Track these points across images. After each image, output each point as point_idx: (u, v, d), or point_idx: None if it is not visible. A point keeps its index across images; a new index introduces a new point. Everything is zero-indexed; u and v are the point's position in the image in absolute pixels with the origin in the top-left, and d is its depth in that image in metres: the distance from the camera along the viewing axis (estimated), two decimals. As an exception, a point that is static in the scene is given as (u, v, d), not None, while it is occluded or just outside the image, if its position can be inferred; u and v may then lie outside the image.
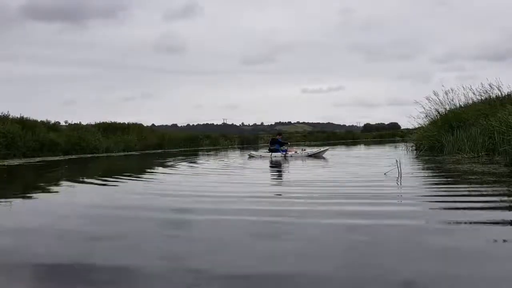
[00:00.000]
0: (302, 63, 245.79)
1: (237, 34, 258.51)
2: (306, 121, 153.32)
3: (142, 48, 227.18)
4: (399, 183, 7.48)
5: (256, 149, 28.29)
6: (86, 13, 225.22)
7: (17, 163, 17.65)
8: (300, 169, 12.50)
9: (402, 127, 64.63)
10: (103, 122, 34.53)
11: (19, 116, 25.10)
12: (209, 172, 11.41)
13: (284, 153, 18.88)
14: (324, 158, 17.72)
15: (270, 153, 18.86)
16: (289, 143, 21.17)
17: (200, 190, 7.18)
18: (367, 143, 48.36)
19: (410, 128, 22.45)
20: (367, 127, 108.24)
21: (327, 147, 21.46)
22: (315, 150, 19.84)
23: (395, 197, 5.97)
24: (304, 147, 22.23)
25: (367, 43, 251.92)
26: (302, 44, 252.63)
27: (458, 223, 4.02)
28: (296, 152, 19.36)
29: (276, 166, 13.74)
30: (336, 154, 21.07)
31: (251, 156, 19.35)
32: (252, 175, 10.66)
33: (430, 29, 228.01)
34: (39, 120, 27.24)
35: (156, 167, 13.95)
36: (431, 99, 19.04)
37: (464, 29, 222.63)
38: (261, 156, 19.02)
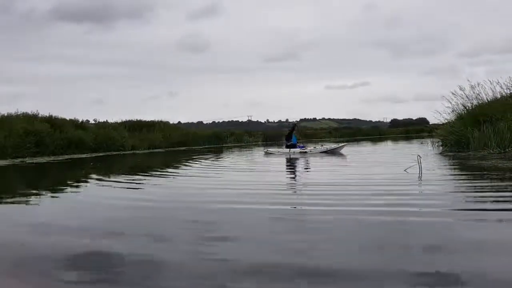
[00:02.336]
0: (326, 59, 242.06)
1: (260, 32, 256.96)
2: (331, 118, 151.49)
3: (168, 47, 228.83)
4: (419, 181, 7.31)
5: (280, 145, 28.24)
6: (113, 14, 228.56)
7: (45, 161, 18.18)
8: (319, 167, 12.20)
9: (430, 123, 62.89)
10: (129, 120, 35.07)
11: (47, 115, 25.80)
12: (227, 171, 11.43)
13: (302, 148, 19.10)
14: (341, 153, 17.86)
15: (288, 150, 18.81)
16: (296, 124, 21.14)
17: (215, 194, 7.16)
18: (394, 139, 47.48)
19: (438, 123, 21.84)
20: (394, 123, 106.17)
21: (344, 143, 21.83)
22: (333, 146, 20.25)
23: (414, 200, 5.52)
24: (322, 143, 22.55)
25: (391, 39, 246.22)
26: (325, 41, 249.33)
27: (482, 226, 3.79)
28: (315, 147, 19.75)
29: (295, 164, 13.51)
30: (359, 151, 21.03)
31: (267, 153, 19.32)
32: (269, 178, 10.10)
33: (455, 23, 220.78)
34: (67, 119, 27.91)
35: (176, 165, 14.09)
36: (457, 93, 18.51)
37: (491, 22, 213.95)
38: (279, 153, 18.98)
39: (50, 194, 7.44)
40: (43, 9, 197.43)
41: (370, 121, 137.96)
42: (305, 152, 18.70)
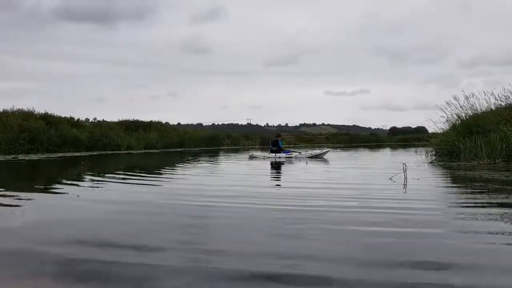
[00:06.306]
0: (326, 65, 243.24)
1: (261, 36, 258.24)
2: (331, 123, 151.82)
3: (170, 49, 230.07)
4: (404, 190, 7.27)
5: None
6: (116, 15, 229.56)
7: (38, 158, 18.16)
8: (304, 173, 11.98)
9: (429, 132, 62.73)
10: (125, 120, 35.09)
11: (43, 112, 25.79)
12: (210, 175, 11.41)
13: (288, 153, 19.44)
14: (325, 159, 18.49)
15: (274, 154, 19.02)
16: (280, 134, 22.60)
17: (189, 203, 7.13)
18: (391, 147, 47.46)
19: (436, 132, 21.94)
20: (393, 131, 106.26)
21: (328, 149, 22.82)
22: (318, 151, 21.08)
23: (396, 205, 5.51)
24: (307, 150, 23.86)
25: (392, 47, 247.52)
26: (326, 47, 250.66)
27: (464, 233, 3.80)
28: (300, 152, 20.40)
29: (281, 171, 13.14)
30: (350, 157, 21.30)
31: (252, 157, 19.44)
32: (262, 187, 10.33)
33: (456, 33, 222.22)
34: (63, 116, 27.89)
35: (168, 167, 14.07)
36: (451, 103, 18.58)
37: (491, 32, 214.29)
38: (264, 157, 19.06)
39: (29, 195, 7.42)
40: (47, 8, 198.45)
41: (370, 128, 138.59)
42: (291, 157, 19.03)
